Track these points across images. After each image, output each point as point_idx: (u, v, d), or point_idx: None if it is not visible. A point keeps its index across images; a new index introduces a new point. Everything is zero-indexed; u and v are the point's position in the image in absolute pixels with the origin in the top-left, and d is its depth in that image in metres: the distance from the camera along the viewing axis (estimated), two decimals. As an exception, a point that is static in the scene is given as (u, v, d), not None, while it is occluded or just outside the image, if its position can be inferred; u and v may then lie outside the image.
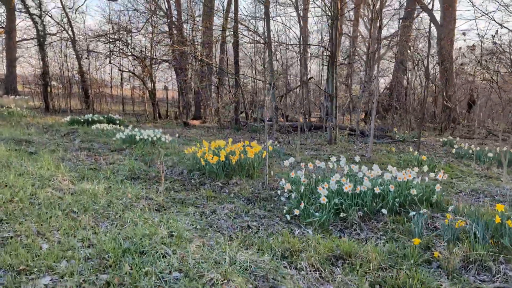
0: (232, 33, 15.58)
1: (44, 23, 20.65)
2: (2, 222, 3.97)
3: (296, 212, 4.64)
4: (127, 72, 18.78)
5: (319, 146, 11.66)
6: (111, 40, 16.84)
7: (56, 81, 22.54)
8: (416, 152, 8.73)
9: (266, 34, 11.87)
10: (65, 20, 23.44)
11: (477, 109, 21.17)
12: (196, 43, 17.38)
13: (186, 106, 18.47)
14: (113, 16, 27.17)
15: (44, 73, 20.45)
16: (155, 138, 9.55)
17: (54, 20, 24.91)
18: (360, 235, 4.42)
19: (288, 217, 4.79)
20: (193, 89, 19.86)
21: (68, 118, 13.86)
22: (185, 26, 19.04)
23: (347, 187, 4.72)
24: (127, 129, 10.26)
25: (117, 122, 14.45)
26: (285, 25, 22.97)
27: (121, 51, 17.60)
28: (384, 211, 4.77)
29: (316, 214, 4.57)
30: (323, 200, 4.56)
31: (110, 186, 5.84)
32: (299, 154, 8.91)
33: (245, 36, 14.47)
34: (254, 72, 17.61)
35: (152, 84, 18.23)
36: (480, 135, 17.96)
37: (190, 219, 4.59)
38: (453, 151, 10.61)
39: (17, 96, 32.37)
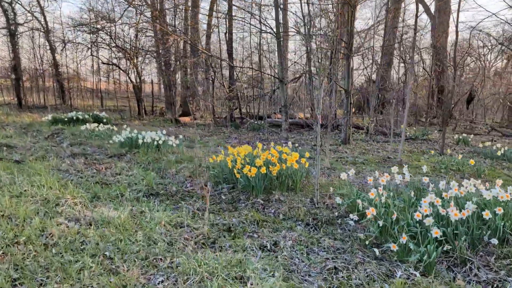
0: (226, 17, 14.39)
1: (15, 11, 18.81)
2: (15, 284, 2.79)
3: (393, 247, 3.63)
4: (110, 64, 17.30)
5: (334, 146, 10.71)
6: (93, 30, 15.32)
7: (29, 75, 20.75)
8: (460, 156, 7.87)
9: (275, 23, 10.80)
10: (38, 9, 21.55)
11: (473, 104, 20.77)
12: (181, 31, 16.07)
13: (174, 102, 17.17)
14: (95, 3, 25.28)
15: (16, 66, 18.68)
16: (160, 142, 8.35)
17: (24, 8, 22.92)
18: (479, 277, 3.46)
19: (377, 251, 3.78)
20: (181, 84, 18.58)
21: (49, 117, 12.40)
22: (169, 13, 17.71)
23: (456, 213, 3.73)
24: (125, 131, 9.01)
25: (104, 120, 13.08)
26: (294, 13, 21.42)
27: (104, 42, 16.11)
28: (494, 240, 3.82)
29: (420, 249, 3.58)
30: (435, 233, 3.56)
31: (132, 209, 4.69)
32: (327, 158, 7.93)
33: (251, 25, 13.33)
34: (260, 65, 16.49)
35: (138, 78, 16.84)
36: (480, 130, 17.51)
37: (258, 259, 3.52)
38: (470, 149, 9.88)
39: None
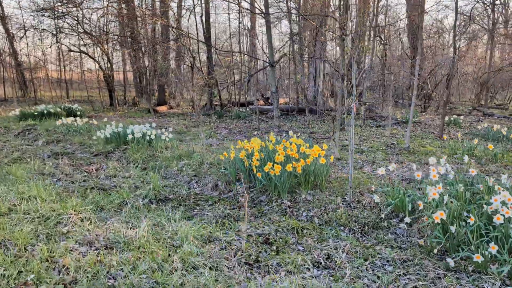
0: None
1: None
2: None
3: (477, 257, 3.13)
4: (78, 52, 16.02)
5: (331, 133, 10.19)
6: (58, 15, 14.02)
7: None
8: (476, 140, 7.47)
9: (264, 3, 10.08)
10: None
11: (451, 84, 20.77)
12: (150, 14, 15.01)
13: (148, 91, 16.17)
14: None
15: (-29, 56, 17.07)
16: (152, 136, 7.56)
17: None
18: None
19: (451, 262, 3.27)
20: (154, 72, 17.57)
21: (17, 112, 11.24)
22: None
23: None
24: (110, 125, 8.13)
25: (78, 113, 12.03)
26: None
27: (71, 28, 14.81)
28: None
29: (504, 257, 3.10)
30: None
31: (148, 222, 3.98)
32: (336, 148, 7.39)
33: (235, 4, 12.48)
34: (240, 49, 15.66)
35: (109, 66, 15.70)
36: (461, 111, 17.50)
37: (323, 284, 2.94)
38: (464, 131, 9.63)
39: None
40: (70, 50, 15.70)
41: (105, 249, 3.27)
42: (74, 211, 3.96)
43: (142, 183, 5.52)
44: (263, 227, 4.08)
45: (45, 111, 11.25)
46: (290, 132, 7.08)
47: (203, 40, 15.10)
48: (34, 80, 21.21)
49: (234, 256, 3.38)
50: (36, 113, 11.14)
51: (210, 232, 3.82)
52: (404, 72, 20.68)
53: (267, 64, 10.18)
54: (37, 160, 6.73)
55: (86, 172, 6.14)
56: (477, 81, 21.12)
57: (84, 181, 5.63)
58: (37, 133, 9.38)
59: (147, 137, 7.54)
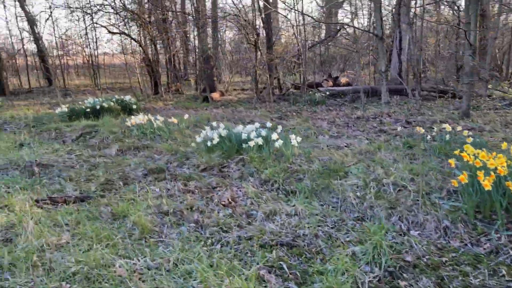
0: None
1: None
2: None
3: None
4: (118, 34, 13.89)
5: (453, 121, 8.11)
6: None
7: (7, 54, 17.05)
8: None
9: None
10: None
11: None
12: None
13: (203, 76, 14.06)
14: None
15: (-8, 44, 15.04)
16: (279, 142, 5.56)
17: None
18: None
19: None
20: (199, 52, 15.48)
21: (65, 108, 9.26)
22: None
23: None
24: (209, 127, 6.14)
25: (135, 107, 10.04)
26: None
27: (109, 5, 12.66)
28: None
29: None
30: None
31: None
32: None
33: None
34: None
35: (154, 49, 13.60)
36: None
37: None
38: None
39: None
40: (109, 32, 13.59)
41: None
42: None
43: (339, 231, 3.56)
44: None
45: (98, 107, 9.26)
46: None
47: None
48: (60, 67, 19.23)
49: None
50: (88, 110, 9.16)
51: None
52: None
53: (381, 37, 8.02)
54: (135, 184, 4.79)
55: (222, 205, 4.18)
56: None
57: (226, 230, 3.65)
58: (102, 137, 7.42)
59: (264, 141, 5.55)
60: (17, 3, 17.64)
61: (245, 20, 11.51)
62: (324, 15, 18.87)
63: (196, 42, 20.01)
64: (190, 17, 14.69)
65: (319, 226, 3.67)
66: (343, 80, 14.99)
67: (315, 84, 13.02)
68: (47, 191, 4.62)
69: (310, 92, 11.98)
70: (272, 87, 13.36)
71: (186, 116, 7.81)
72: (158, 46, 13.61)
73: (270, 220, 3.82)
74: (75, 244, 3.22)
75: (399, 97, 11.57)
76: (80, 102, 9.99)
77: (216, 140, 5.65)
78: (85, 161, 6.02)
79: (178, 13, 14.14)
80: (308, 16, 11.87)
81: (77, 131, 7.93)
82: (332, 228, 3.67)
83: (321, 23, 16.36)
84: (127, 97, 10.39)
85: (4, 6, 17.52)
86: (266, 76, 12.29)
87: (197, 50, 19.75)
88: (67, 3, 13.36)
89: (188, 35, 17.88)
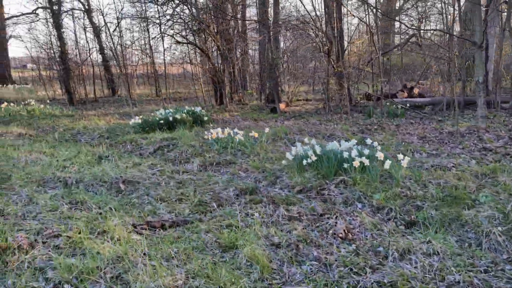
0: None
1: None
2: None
3: None
4: (186, 44, 13.78)
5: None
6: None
7: (74, 63, 17.47)
8: None
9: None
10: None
11: None
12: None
13: (267, 86, 13.66)
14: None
15: (63, 54, 15.40)
16: (387, 164, 4.95)
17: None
18: None
19: None
20: (263, 61, 15.15)
21: (138, 120, 9.10)
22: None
23: None
24: (300, 143, 5.64)
25: (206, 119, 9.75)
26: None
27: (177, 15, 12.56)
28: None
29: None
30: None
31: None
32: None
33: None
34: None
35: (220, 58, 13.34)
36: None
37: None
38: None
39: (16, 85, 27.11)
40: (177, 42, 13.51)
41: None
42: None
43: (499, 278, 2.93)
44: None
45: (171, 118, 9.03)
46: None
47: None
48: (123, 77, 19.54)
49: None
50: (161, 121, 8.95)
51: None
52: None
53: (480, 44, 7.23)
54: (230, 206, 4.34)
55: (340, 237, 3.64)
56: None
57: (357, 272, 3.08)
58: (180, 151, 7.10)
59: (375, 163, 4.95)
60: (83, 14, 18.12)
61: (318, 28, 10.98)
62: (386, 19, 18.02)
63: (256, 52, 19.79)
64: (253, 25, 14.35)
65: (469, 270, 3.04)
66: (415, 90, 14.11)
67: (390, 95, 12.26)
68: (141, 212, 4.27)
69: (387, 103, 11.25)
70: (342, 98, 12.74)
71: (266, 130, 7.34)
72: (224, 56, 13.33)
73: (405, 260, 3.23)
74: (194, 286, 2.78)
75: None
76: (152, 114, 9.83)
77: (313, 158, 5.11)
78: (169, 177, 5.68)
79: (245, 21, 13.84)
80: (395, 20, 11.13)
81: (153, 143, 7.67)
82: (485, 273, 3.03)
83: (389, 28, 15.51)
84: (198, 108, 10.13)
85: (73, 17, 17.83)
86: (338, 87, 11.68)
87: (255, 60, 19.51)
88: (139, 13, 13.34)
89: (247, 44, 17.64)
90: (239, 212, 4.25)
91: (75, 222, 3.81)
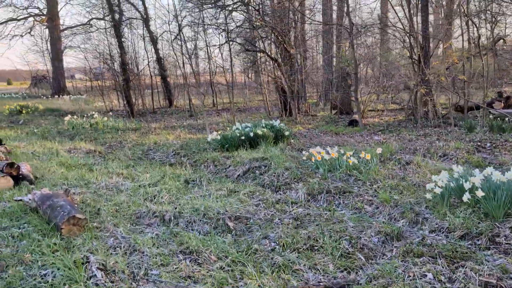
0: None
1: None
2: None
3: None
4: (255, 51, 12.96)
5: None
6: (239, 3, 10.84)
7: (133, 74, 17.04)
8: None
9: None
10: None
11: None
12: None
13: (339, 96, 12.54)
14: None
15: (124, 64, 14.94)
16: None
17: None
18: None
19: None
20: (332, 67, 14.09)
21: (215, 135, 8.24)
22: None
23: None
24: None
25: (287, 133, 8.78)
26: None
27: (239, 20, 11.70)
28: None
29: None
30: None
31: None
32: None
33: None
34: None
35: (288, 66, 12.36)
36: None
37: None
38: None
39: (71, 96, 27.33)
40: (246, 50, 12.69)
41: None
42: None
43: None
44: None
45: (251, 133, 8.10)
46: None
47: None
48: (180, 87, 19.02)
49: None
50: (242, 137, 8.04)
51: None
52: None
53: None
54: (382, 260, 3.28)
55: None
56: None
57: None
58: (275, 173, 6.13)
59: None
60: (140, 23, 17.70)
61: (409, 33, 9.79)
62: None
63: (320, 59, 18.74)
64: (322, 29, 13.30)
65: None
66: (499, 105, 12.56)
67: (487, 104, 10.84)
68: (275, 268, 3.30)
69: (481, 115, 9.89)
70: (425, 109, 11.45)
71: (379, 150, 6.21)
72: (293, 64, 12.37)
73: None
74: None
75: None
76: (219, 126, 8.96)
77: (479, 194, 3.96)
78: (279, 211, 4.72)
79: (328, 25, 12.82)
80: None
81: (241, 164, 6.75)
82: None
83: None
84: (276, 122, 9.17)
85: (130, 28, 17.45)
86: (425, 96, 10.44)
87: (319, 67, 18.44)
88: (204, 22, 12.62)
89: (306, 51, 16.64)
90: (403, 272, 3.19)
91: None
